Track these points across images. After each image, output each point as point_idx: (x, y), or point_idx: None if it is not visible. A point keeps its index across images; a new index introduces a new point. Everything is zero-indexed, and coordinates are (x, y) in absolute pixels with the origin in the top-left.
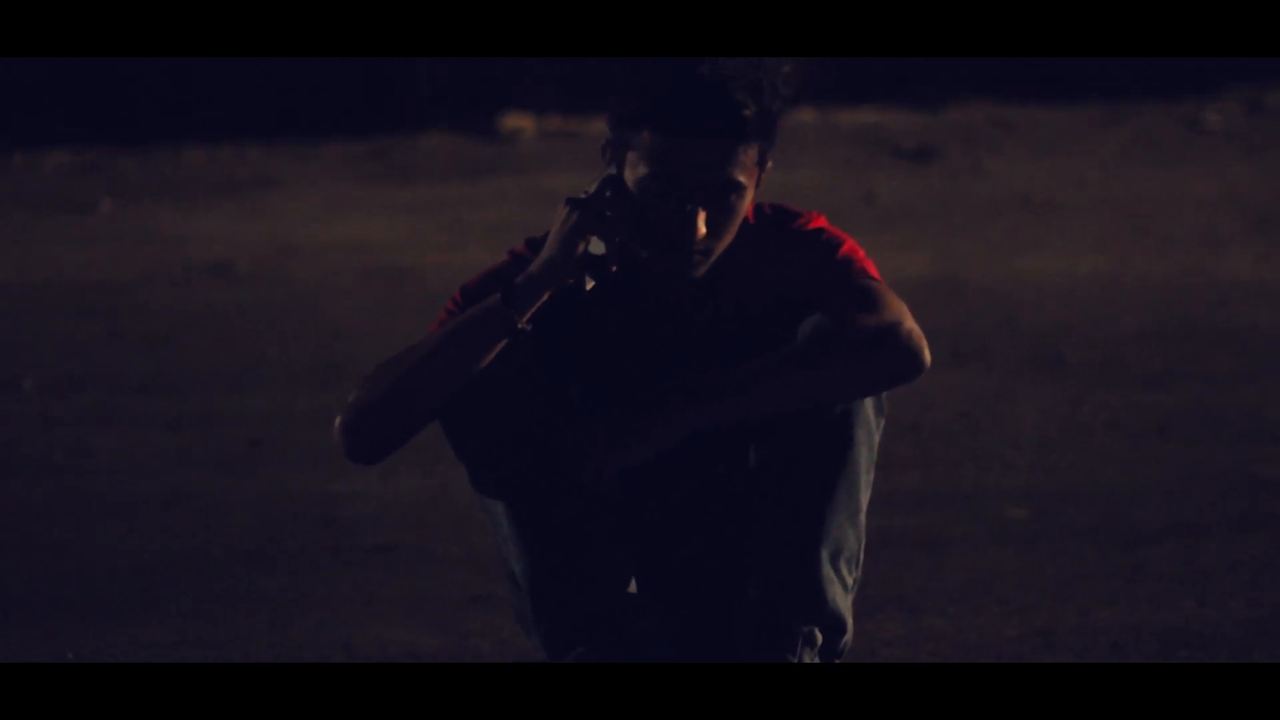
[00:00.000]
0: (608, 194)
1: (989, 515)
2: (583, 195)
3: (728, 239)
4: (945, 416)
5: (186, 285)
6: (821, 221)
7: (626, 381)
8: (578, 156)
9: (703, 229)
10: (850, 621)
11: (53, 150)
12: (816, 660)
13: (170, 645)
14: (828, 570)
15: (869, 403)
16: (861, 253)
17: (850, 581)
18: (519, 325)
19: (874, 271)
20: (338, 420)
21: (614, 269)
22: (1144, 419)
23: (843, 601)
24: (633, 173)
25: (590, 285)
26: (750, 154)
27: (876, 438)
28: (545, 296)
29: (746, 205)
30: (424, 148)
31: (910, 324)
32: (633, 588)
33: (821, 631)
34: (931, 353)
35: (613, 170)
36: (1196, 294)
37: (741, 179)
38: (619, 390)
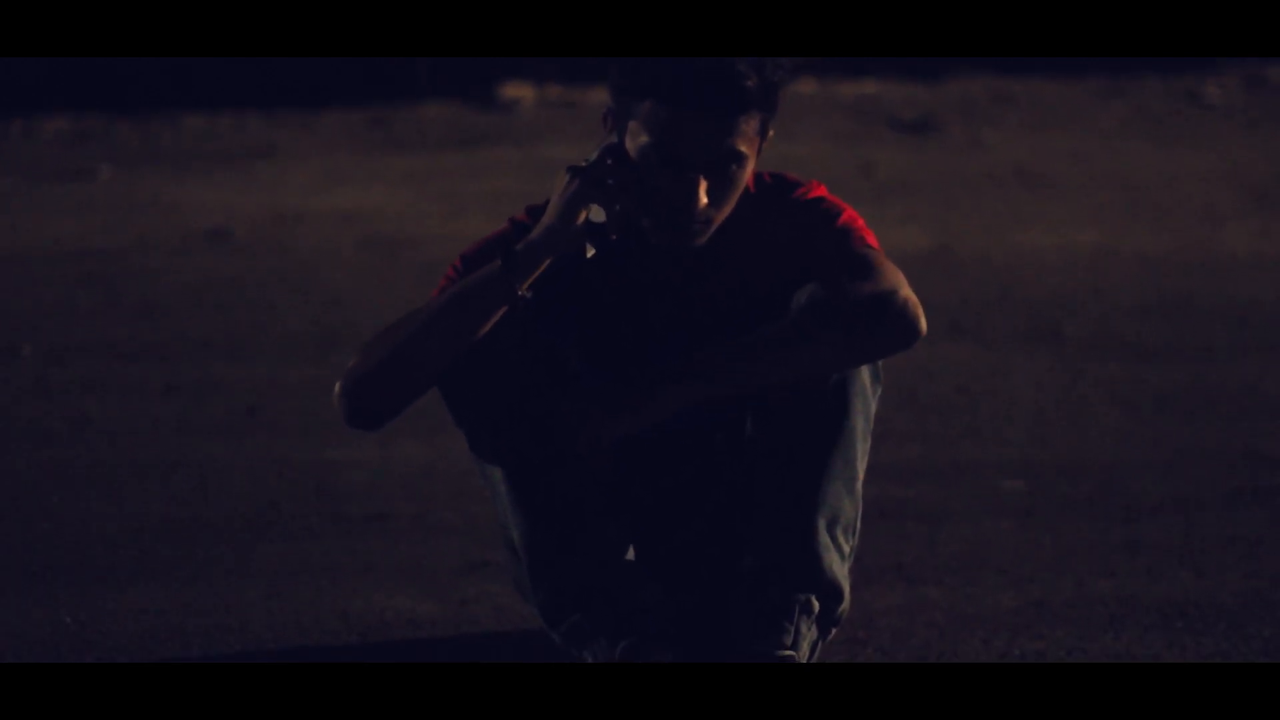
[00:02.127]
0: (609, 162)
1: (986, 487)
2: (584, 163)
3: (728, 209)
4: (942, 389)
5: (184, 253)
6: (821, 190)
7: (625, 351)
8: (577, 126)
9: (704, 199)
10: (847, 590)
11: (52, 117)
12: (813, 629)
13: (166, 612)
14: (824, 538)
15: (865, 371)
16: (861, 221)
17: (847, 550)
18: (519, 292)
19: (873, 240)
20: (337, 386)
21: (614, 237)
22: (1141, 393)
23: (839, 570)
24: (634, 142)
25: (590, 253)
26: (752, 124)
27: (873, 406)
28: (545, 264)
29: (748, 175)
30: (423, 117)
31: (906, 292)
32: (630, 556)
33: (818, 599)
34: (929, 323)
35: (614, 138)
36: (1195, 268)
37: (743, 149)
38: (617, 360)
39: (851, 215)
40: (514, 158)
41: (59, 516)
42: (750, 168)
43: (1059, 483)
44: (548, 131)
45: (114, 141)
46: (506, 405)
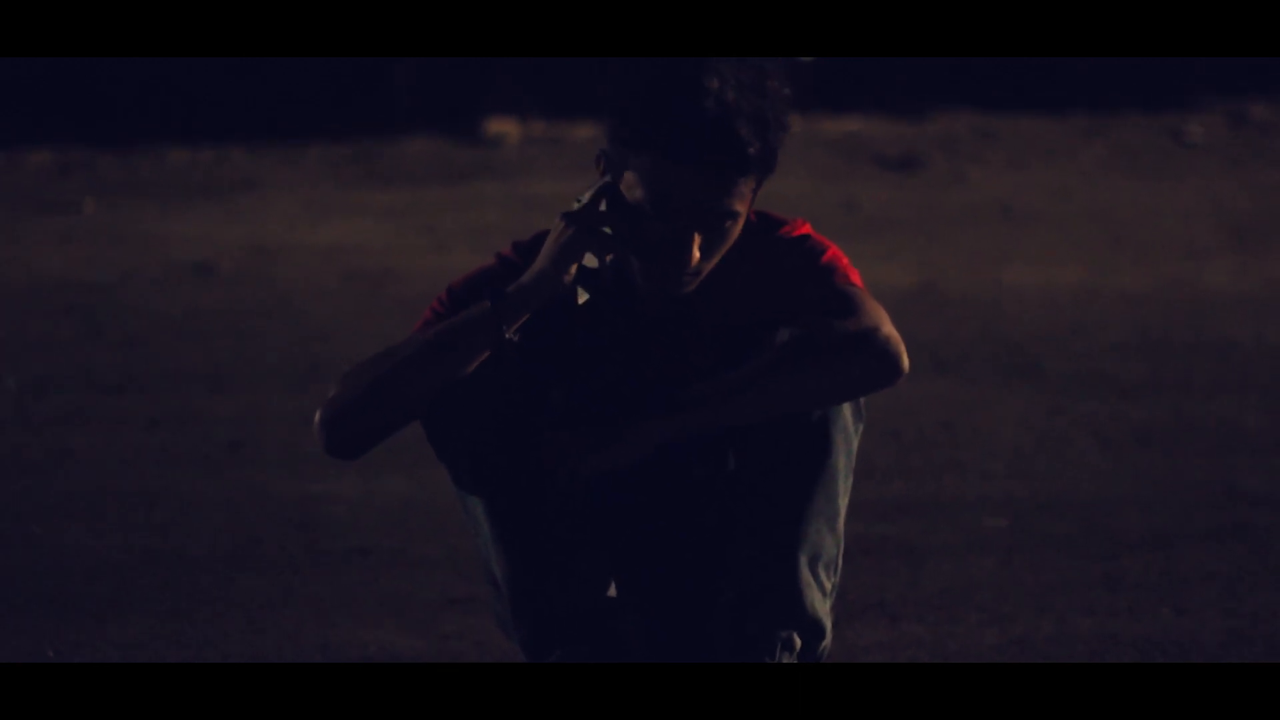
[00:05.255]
0: (603, 208)
1: (968, 524)
2: (576, 204)
3: (718, 258)
4: (925, 425)
5: (167, 286)
6: (806, 228)
7: (609, 391)
8: (561, 162)
9: (697, 254)
10: (829, 626)
11: (35, 150)
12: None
13: (147, 644)
14: (806, 575)
15: (847, 408)
16: (845, 260)
17: (829, 587)
18: (506, 335)
19: (856, 278)
20: (317, 415)
21: (607, 284)
22: (1123, 429)
23: (821, 606)
24: (630, 192)
25: (583, 299)
26: (749, 184)
27: (855, 443)
28: (534, 308)
29: (739, 229)
30: (407, 152)
31: (888, 329)
32: (612, 591)
33: (800, 636)
34: (911, 360)
35: (608, 179)
36: (1176, 306)
37: (738, 207)
38: (601, 399)
39: (836, 253)
40: (498, 193)
41: (40, 548)
42: (742, 221)
43: (1040, 519)
44: (532, 167)
45: (97, 175)
46: (489, 437)
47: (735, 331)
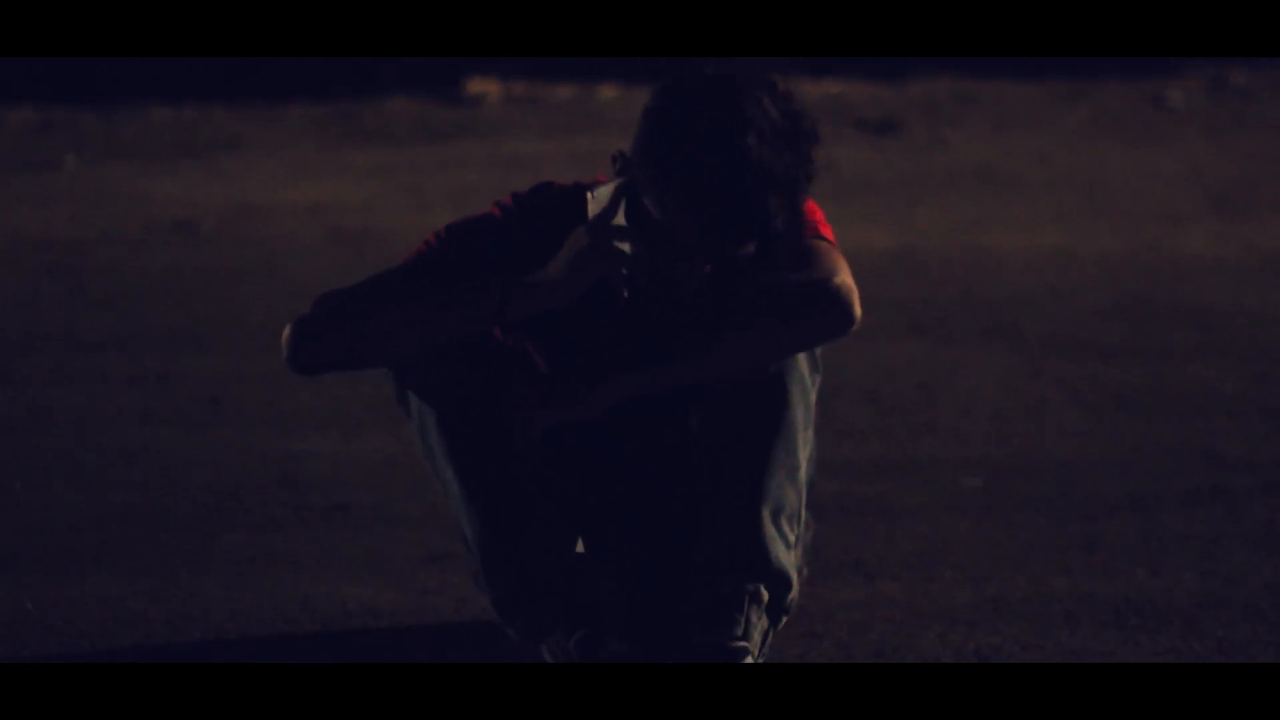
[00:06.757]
0: (620, 212)
1: (945, 484)
2: (590, 197)
3: None
4: (903, 387)
5: (149, 244)
6: None
7: (582, 354)
8: (542, 122)
9: (708, 269)
10: (795, 578)
11: (17, 108)
12: (764, 618)
13: (128, 600)
14: (769, 528)
15: (803, 361)
16: (820, 214)
17: (793, 538)
18: (503, 320)
19: (826, 231)
20: (287, 329)
21: (625, 295)
22: (1101, 392)
23: (786, 558)
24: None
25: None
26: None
27: (813, 396)
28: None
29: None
30: (388, 111)
31: (842, 278)
32: (580, 549)
33: (768, 589)
34: (889, 322)
35: (624, 180)
36: (1155, 270)
37: (751, 249)
38: (571, 359)
39: (811, 207)
40: (479, 152)
41: (22, 505)
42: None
43: (1017, 481)
44: (513, 127)
45: (79, 132)
46: (451, 386)
47: (709, 291)
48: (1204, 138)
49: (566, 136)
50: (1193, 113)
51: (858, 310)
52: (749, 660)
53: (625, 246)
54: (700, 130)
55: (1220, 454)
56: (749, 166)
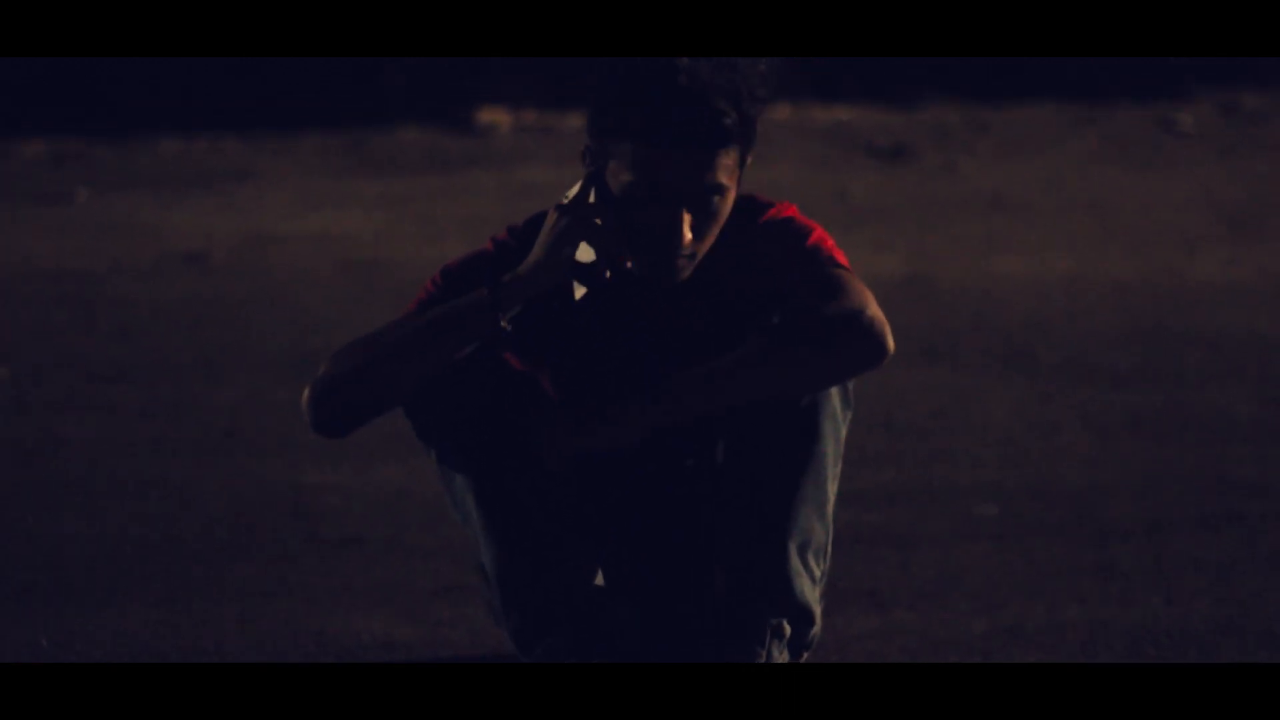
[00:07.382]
0: (592, 197)
1: (959, 512)
2: (565, 199)
3: (711, 239)
4: (916, 414)
5: (161, 275)
6: (792, 210)
7: (598, 374)
8: (553, 151)
9: (688, 234)
10: (818, 613)
11: (29, 140)
12: (785, 652)
13: (141, 633)
14: (795, 563)
15: (835, 395)
16: (831, 241)
17: (818, 574)
18: (501, 324)
19: (842, 259)
20: (306, 392)
21: (607, 275)
22: (1114, 417)
23: (810, 594)
24: (615, 180)
25: (580, 293)
26: (731, 156)
27: (843, 430)
28: (529, 297)
29: (729, 206)
30: (400, 141)
31: (873, 310)
32: (600, 580)
33: (790, 623)
34: (902, 349)
35: (593, 170)
36: (1167, 295)
37: (724, 181)
38: (589, 382)
39: (821, 235)
40: (490, 182)
41: (35, 537)
42: (731, 198)
43: (1031, 507)
44: (524, 156)
45: (91, 164)
46: (473, 421)
47: (726, 316)
48: (1214, 161)
49: (578, 165)
50: (1203, 136)
51: (890, 343)
52: None
53: (598, 221)
54: (637, 72)
55: (1234, 479)
56: (688, 74)
